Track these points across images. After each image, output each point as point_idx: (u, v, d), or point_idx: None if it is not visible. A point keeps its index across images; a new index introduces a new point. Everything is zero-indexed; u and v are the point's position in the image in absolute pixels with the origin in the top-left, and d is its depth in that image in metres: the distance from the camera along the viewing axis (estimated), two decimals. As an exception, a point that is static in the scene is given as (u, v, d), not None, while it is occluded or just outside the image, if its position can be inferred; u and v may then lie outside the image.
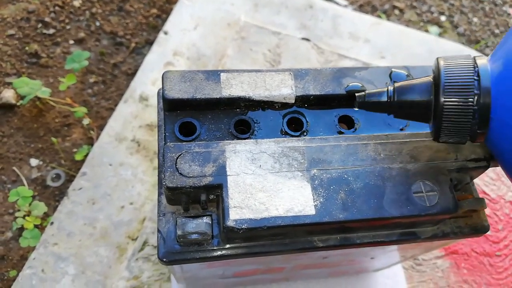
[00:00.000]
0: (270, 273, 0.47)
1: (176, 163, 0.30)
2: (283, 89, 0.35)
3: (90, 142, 0.71)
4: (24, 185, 0.67)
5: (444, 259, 0.65)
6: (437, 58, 0.30)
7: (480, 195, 0.70)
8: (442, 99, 0.28)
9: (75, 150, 0.70)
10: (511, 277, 0.65)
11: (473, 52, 0.85)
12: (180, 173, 0.30)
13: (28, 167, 0.69)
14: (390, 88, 0.31)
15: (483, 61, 0.28)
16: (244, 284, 0.56)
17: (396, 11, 0.95)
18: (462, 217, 0.36)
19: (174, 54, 0.76)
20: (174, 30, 0.78)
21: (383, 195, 0.31)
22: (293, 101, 0.35)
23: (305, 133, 0.35)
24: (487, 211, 0.68)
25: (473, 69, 0.28)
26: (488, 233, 0.65)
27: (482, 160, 0.33)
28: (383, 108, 0.32)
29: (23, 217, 0.63)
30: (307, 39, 0.80)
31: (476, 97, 0.27)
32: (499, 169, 0.71)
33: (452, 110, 0.28)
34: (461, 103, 0.28)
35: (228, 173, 0.30)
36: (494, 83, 0.27)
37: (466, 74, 0.28)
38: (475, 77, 0.28)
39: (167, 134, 0.34)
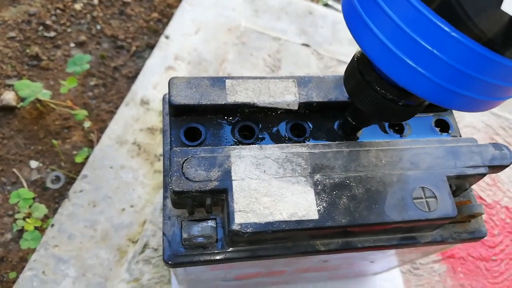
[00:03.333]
0: (271, 276, 0.48)
1: (182, 167, 0.31)
2: (287, 96, 0.35)
3: (90, 145, 0.71)
4: (24, 187, 0.67)
5: (441, 263, 0.66)
6: None
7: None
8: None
9: (75, 152, 0.71)
10: (506, 281, 0.66)
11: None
12: (187, 178, 0.30)
13: (28, 169, 0.69)
14: None
15: None
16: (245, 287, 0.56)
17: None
18: (461, 223, 0.36)
19: (175, 59, 0.76)
20: (176, 35, 0.79)
21: (384, 201, 0.32)
22: (296, 108, 0.36)
23: (308, 139, 0.36)
24: (483, 216, 0.69)
25: None
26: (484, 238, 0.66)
27: (480, 166, 0.34)
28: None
29: (23, 219, 0.63)
30: (307, 45, 0.81)
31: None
32: (494, 175, 0.72)
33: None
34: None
35: (233, 177, 0.31)
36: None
37: None
38: None
39: (172, 139, 0.34)
